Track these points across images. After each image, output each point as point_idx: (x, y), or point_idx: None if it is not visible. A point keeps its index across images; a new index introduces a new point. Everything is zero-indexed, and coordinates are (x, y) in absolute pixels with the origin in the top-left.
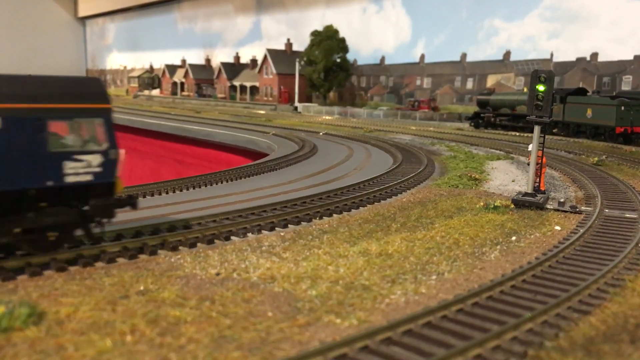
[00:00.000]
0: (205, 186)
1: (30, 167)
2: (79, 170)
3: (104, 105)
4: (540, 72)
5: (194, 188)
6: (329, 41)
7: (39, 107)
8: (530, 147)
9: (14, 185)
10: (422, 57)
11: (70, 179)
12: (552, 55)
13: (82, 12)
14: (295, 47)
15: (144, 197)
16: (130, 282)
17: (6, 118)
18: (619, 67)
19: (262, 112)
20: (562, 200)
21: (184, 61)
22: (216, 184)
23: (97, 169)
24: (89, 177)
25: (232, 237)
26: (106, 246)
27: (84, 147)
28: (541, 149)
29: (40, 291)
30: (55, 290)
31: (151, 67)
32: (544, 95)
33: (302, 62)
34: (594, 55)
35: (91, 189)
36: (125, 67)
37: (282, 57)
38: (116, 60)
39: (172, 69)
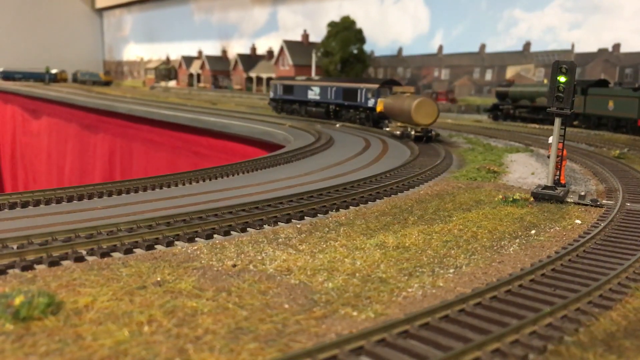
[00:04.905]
0: (222, 177)
1: None
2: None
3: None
4: (561, 63)
5: (210, 179)
6: (346, 32)
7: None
8: (550, 140)
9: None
10: (440, 48)
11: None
12: (573, 46)
13: (100, 3)
14: (311, 39)
15: (161, 188)
16: (147, 273)
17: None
18: None
19: None
20: (582, 193)
21: (200, 52)
22: (232, 175)
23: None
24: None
25: (249, 229)
26: (123, 237)
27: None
28: (562, 141)
29: (59, 281)
30: (74, 280)
31: (168, 58)
32: (565, 87)
33: (319, 54)
34: (616, 46)
35: None
36: (141, 59)
37: (299, 48)
38: (133, 51)
39: (188, 60)
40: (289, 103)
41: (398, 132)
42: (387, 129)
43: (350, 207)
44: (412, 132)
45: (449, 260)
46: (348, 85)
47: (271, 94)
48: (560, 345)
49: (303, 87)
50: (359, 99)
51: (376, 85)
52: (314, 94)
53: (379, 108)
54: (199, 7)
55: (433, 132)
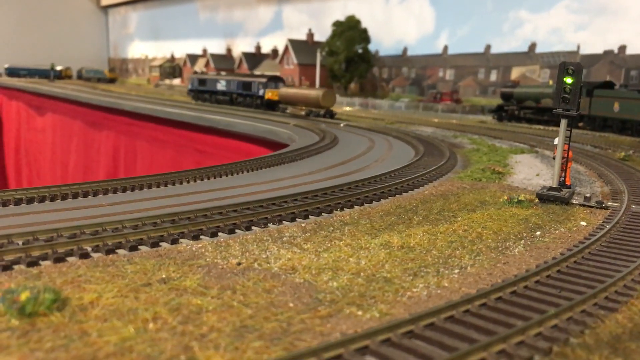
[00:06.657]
0: (226, 176)
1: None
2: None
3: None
4: (568, 64)
5: (214, 177)
6: (350, 32)
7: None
8: (556, 141)
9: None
10: (445, 48)
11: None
12: (578, 47)
13: (105, 1)
14: (316, 38)
15: (165, 186)
16: (152, 270)
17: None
18: None
19: None
20: (588, 195)
21: (205, 51)
22: (237, 173)
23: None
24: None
25: (253, 227)
26: (128, 234)
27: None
28: (567, 142)
29: (64, 277)
30: (79, 276)
31: (172, 56)
32: (571, 88)
33: (324, 53)
34: (622, 48)
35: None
36: (146, 56)
37: (304, 47)
38: (138, 49)
39: (193, 58)
40: (202, 93)
41: (303, 113)
42: (288, 111)
43: (355, 206)
44: (321, 112)
45: (453, 260)
46: (245, 79)
47: (189, 86)
48: (565, 347)
49: (213, 80)
50: (252, 90)
51: (265, 79)
52: (221, 85)
53: (267, 96)
54: (204, 5)
55: (333, 111)
